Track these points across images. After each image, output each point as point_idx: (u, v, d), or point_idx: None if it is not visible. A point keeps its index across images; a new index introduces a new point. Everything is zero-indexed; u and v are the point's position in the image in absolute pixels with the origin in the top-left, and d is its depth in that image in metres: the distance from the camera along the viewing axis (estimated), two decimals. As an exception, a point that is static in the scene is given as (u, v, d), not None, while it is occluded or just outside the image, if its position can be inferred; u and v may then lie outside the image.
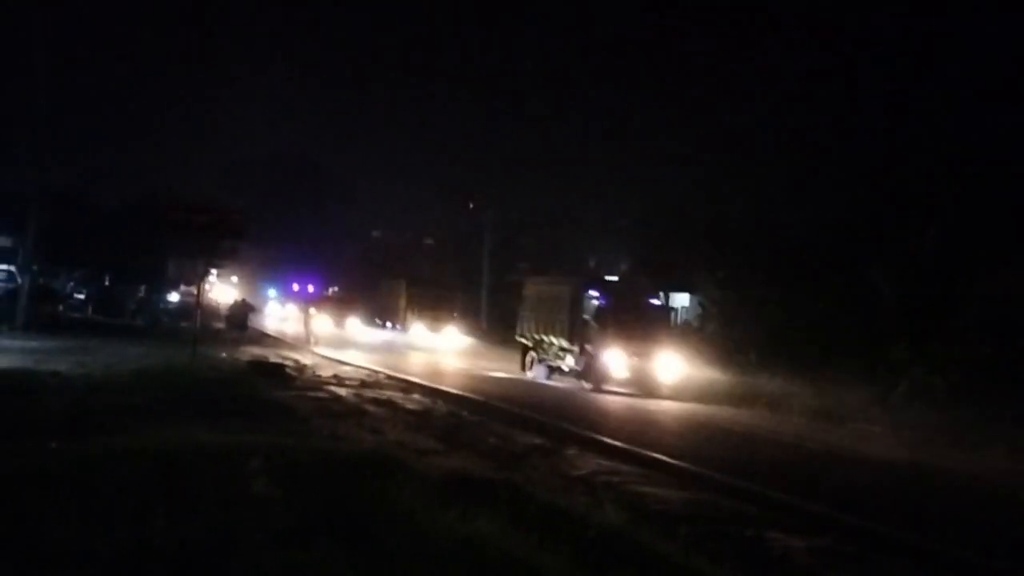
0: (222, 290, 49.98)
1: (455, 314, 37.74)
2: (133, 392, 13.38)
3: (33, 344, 21.38)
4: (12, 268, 28.95)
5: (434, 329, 35.80)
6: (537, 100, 59.62)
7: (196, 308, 22.17)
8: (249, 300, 34.16)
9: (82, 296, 40.00)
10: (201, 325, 21.72)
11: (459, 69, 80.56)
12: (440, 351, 32.72)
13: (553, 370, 24.49)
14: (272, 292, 66.02)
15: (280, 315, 53.90)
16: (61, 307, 32.72)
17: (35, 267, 28.64)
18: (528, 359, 25.44)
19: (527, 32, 63.36)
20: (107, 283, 42.24)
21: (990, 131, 24.04)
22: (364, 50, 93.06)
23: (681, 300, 38.65)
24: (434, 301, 37.06)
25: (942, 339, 21.38)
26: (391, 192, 69.85)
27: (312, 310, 36.47)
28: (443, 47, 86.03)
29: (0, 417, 10.24)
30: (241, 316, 30.25)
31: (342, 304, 42.32)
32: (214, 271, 51.45)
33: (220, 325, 31.31)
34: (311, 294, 55.99)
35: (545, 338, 24.63)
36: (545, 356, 24.69)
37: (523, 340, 26.00)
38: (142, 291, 43.71)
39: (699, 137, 34.65)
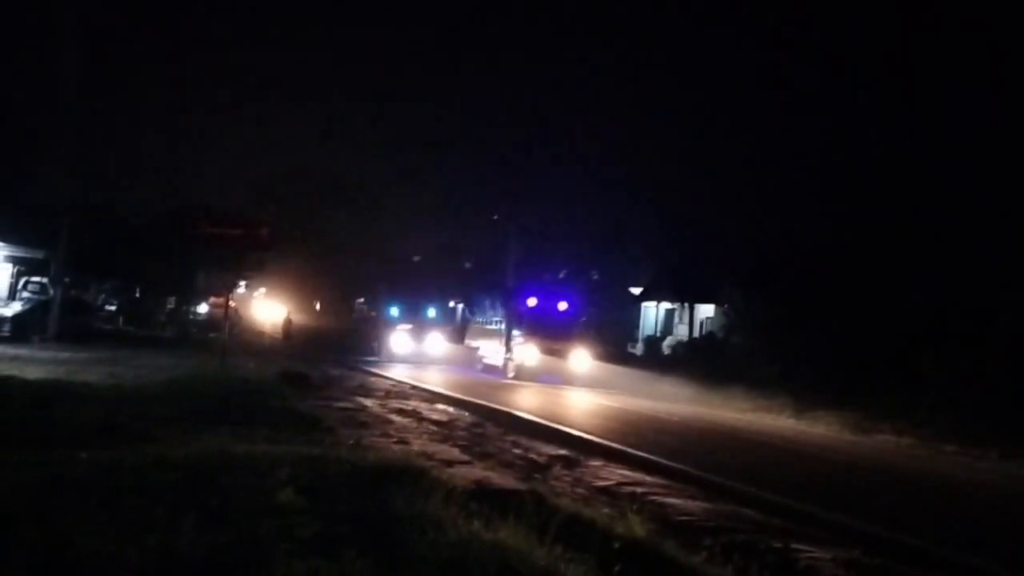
0: (249, 301, 49.13)
1: None
2: (163, 402, 13.49)
3: (64, 355, 21.66)
4: (44, 280, 29.32)
5: None
6: (561, 112, 59.66)
7: (225, 320, 22.37)
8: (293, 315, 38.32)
9: (113, 307, 40.45)
10: (229, 335, 21.89)
11: (479, 78, 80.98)
12: None
13: None
14: (395, 311, 43.90)
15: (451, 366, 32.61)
16: (92, 318, 33.08)
17: (66, 279, 29.06)
18: None
19: (552, 45, 63.62)
20: (137, 295, 42.63)
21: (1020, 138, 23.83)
22: (391, 62, 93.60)
23: (706, 311, 38.50)
24: None
25: (969, 351, 21.15)
26: (416, 207, 69.35)
27: None
28: (468, 59, 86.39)
29: (32, 427, 10.35)
30: (286, 328, 37.35)
31: None
32: (242, 283, 51.65)
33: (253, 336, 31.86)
34: (569, 314, 30.95)
35: None
36: None
37: None
38: (172, 302, 44.14)
39: (726, 149, 34.61)
